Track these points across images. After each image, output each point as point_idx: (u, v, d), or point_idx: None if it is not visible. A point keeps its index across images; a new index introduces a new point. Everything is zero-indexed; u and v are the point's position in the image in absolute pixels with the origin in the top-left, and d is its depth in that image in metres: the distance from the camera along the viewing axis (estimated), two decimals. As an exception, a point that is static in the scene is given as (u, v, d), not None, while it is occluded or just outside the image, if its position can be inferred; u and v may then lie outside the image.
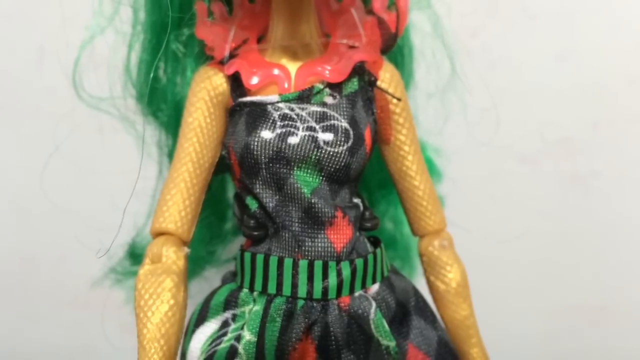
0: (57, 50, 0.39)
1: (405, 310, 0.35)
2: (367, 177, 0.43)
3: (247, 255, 0.33)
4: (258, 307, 0.32)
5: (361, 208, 0.35)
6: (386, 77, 0.35)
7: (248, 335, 0.31)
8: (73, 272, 0.76)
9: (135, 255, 0.40)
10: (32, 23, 0.60)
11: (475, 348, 0.37)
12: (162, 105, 0.38)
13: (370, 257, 0.34)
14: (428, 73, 0.44)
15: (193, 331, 0.33)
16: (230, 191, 0.42)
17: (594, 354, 0.82)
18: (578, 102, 0.75)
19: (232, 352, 0.31)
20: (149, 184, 0.41)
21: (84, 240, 0.43)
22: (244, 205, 0.34)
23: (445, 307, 0.37)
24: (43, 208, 0.75)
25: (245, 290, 0.33)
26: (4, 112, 0.69)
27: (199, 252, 0.40)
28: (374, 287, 0.34)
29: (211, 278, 0.44)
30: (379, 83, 0.34)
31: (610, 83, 0.75)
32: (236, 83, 0.34)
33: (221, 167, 0.36)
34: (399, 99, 0.34)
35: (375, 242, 0.35)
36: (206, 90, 0.34)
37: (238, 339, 0.31)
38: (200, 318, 0.33)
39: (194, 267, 0.40)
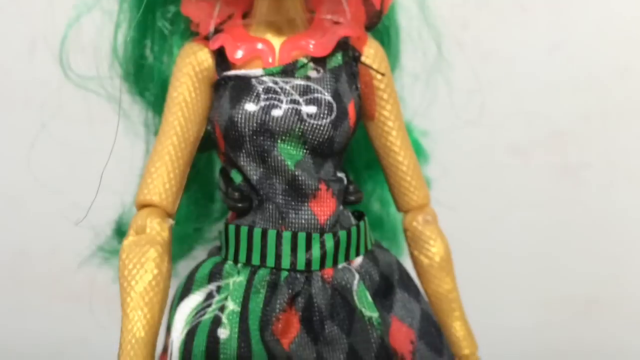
0: (45, 33, 0.39)
1: (389, 283, 0.35)
2: (354, 157, 0.43)
3: (232, 228, 0.34)
4: (242, 278, 0.32)
5: (345, 182, 0.35)
6: (370, 52, 0.35)
7: (232, 305, 0.32)
8: (64, 264, 0.76)
9: (122, 233, 0.40)
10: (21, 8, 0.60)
11: (458, 321, 0.37)
12: (149, 85, 0.39)
13: (353, 229, 0.34)
14: (415, 55, 0.44)
15: (178, 304, 0.34)
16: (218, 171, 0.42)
17: (585, 345, 0.83)
18: (569, 94, 0.76)
19: (216, 322, 0.31)
20: (136, 163, 0.42)
21: (73, 220, 0.43)
22: (228, 178, 0.34)
23: (428, 281, 0.37)
24: (34, 200, 0.75)
25: (230, 262, 0.33)
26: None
27: (186, 229, 0.40)
28: (358, 260, 0.34)
29: (199, 257, 0.44)
30: (363, 58, 0.35)
31: (602, 75, 0.75)
32: (221, 58, 0.34)
33: (207, 144, 0.36)
34: (382, 74, 0.35)
35: (360, 217, 0.36)
36: (191, 65, 0.34)
37: (222, 309, 0.32)
38: (185, 291, 0.34)
39: (181, 245, 0.40)
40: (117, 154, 0.39)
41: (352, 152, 0.42)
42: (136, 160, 0.41)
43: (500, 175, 0.78)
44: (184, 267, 0.43)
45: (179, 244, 0.39)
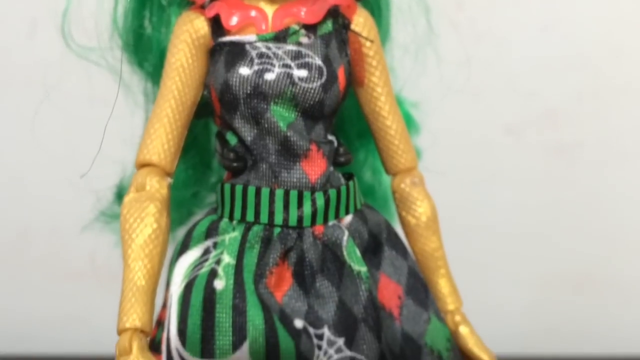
0: (47, 6, 0.41)
1: (378, 241, 0.37)
2: (347, 127, 0.44)
3: (227, 187, 0.35)
4: (237, 234, 0.34)
5: (335, 144, 0.37)
6: (360, 21, 0.37)
7: (227, 259, 0.33)
8: (67, 243, 0.78)
9: (123, 197, 0.41)
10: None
11: (443, 278, 0.39)
12: (148, 55, 0.40)
13: (343, 188, 0.36)
14: (405, 27, 0.45)
15: (176, 260, 0.35)
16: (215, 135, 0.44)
17: (577, 321, 0.84)
18: (563, 73, 0.77)
19: (212, 274, 0.33)
20: (136, 132, 0.43)
21: (76, 187, 0.44)
22: (224, 140, 0.36)
23: (415, 240, 0.39)
24: (36, 180, 0.76)
25: (225, 219, 0.35)
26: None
27: (185, 194, 0.41)
28: (347, 218, 0.36)
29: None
30: (352, 26, 0.36)
31: (595, 54, 0.76)
32: (216, 25, 0.36)
33: (204, 111, 0.38)
34: (371, 41, 0.36)
35: (349, 177, 0.37)
36: (188, 33, 0.36)
37: (218, 262, 0.34)
38: (183, 247, 0.35)
39: (180, 210, 0.41)
40: (117, 122, 0.40)
41: (344, 122, 0.44)
42: (137, 129, 0.43)
43: (493, 154, 0.79)
44: (183, 232, 0.45)
45: (177, 209, 0.41)
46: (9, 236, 0.79)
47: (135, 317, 0.31)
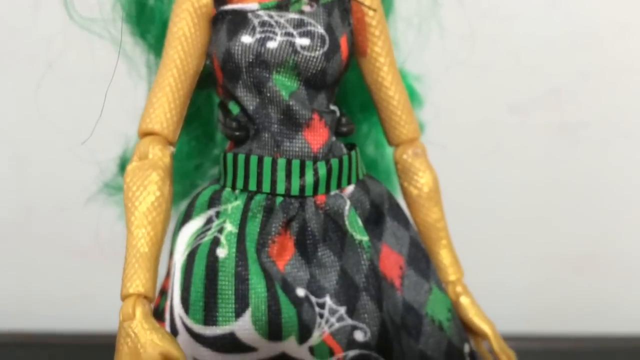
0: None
1: (380, 212, 0.37)
2: (350, 100, 0.44)
3: (229, 156, 0.35)
4: (239, 202, 0.34)
5: (338, 114, 0.36)
6: None
7: (230, 227, 0.34)
8: (72, 221, 0.78)
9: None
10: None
11: (445, 249, 0.39)
12: (150, 27, 0.40)
13: (345, 158, 0.36)
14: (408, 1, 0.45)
15: (179, 229, 0.36)
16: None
17: (578, 301, 0.84)
18: (567, 51, 0.76)
19: (215, 243, 0.33)
20: (139, 104, 0.43)
21: (80, 164, 0.44)
22: (227, 110, 0.36)
23: (417, 211, 0.39)
24: (40, 158, 0.76)
25: (228, 189, 0.35)
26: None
27: (188, 166, 0.42)
28: (349, 188, 0.36)
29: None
30: None
31: (600, 33, 0.75)
32: None
33: (206, 81, 0.38)
34: (374, 10, 0.36)
35: (352, 148, 0.37)
36: (190, 2, 0.35)
37: (221, 231, 0.34)
38: (186, 217, 0.36)
39: (183, 182, 0.42)
40: (120, 95, 0.40)
41: (347, 95, 0.44)
42: (139, 101, 0.43)
43: (496, 132, 0.79)
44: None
45: (181, 181, 0.41)
46: (13, 213, 0.79)
47: (138, 283, 0.31)
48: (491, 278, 0.74)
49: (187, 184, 0.42)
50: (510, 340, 0.53)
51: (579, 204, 0.81)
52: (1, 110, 0.76)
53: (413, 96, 0.46)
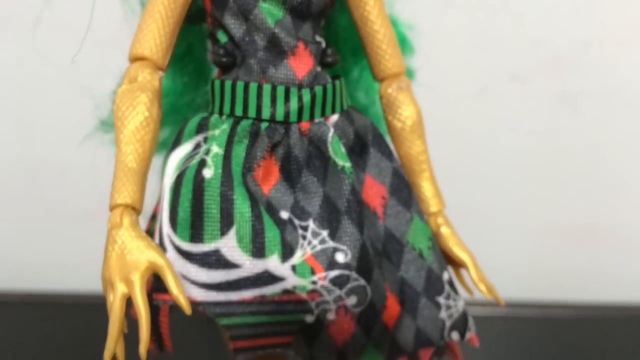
0: None
1: (364, 143, 0.38)
2: (340, 45, 0.45)
3: (217, 83, 0.37)
4: (225, 126, 0.36)
5: (323, 45, 0.37)
6: None
7: (216, 149, 0.35)
8: (77, 183, 0.80)
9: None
10: None
11: (427, 182, 0.40)
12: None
13: (329, 86, 0.37)
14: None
15: (168, 155, 0.37)
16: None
17: (577, 272, 0.85)
18: (569, 20, 0.76)
19: (201, 164, 0.35)
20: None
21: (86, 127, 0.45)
22: (215, 39, 0.37)
23: (401, 144, 0.40)
24: (44, 119, 0.78)
25: (216, 115, 0.37)
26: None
27: (180, 101, 0.43)
28: (334, 117, 0.37)
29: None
30: None
31: (602, 1, 0.75)
32: None
33: (197, 18, 0.39)
34: None
35: (337, 78, 0.38)
36: None
37: (207, 153, 0.35)
38: (175, 143, 0.37)
39: (175, 117, 0.43)
40: (117, 33, 0.42)
41: (338, 40, 0.45)
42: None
43: (497, 100, 0.79)
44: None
45: (173, 115, 0.42)
46: (19, 177, 0.80)
47: (126, 194, 0.32)
48: (491, 247, 0.75)
49: (179, 120, 0.43)
50: (509, 306, 0.54)
51: (579, 174, 0.82)
52: (4, 72, 0.77)
53: (404, 45, 0.47)
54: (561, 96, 0.80)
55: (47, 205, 0.82)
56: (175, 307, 0.34)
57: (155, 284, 0.35)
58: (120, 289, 0.31)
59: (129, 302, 0.31)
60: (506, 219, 0.83)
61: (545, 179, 0.82)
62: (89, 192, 0.70)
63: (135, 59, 0.36)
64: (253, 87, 0.35)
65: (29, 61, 0.69)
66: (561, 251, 0.84)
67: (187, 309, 0.31)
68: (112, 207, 0.33)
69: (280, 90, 0.35)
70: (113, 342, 0.30)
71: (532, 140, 0.81)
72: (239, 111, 0.36)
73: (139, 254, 0.31)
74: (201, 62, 0.42)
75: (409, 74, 0.46)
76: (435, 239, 0.39)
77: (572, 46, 0.78)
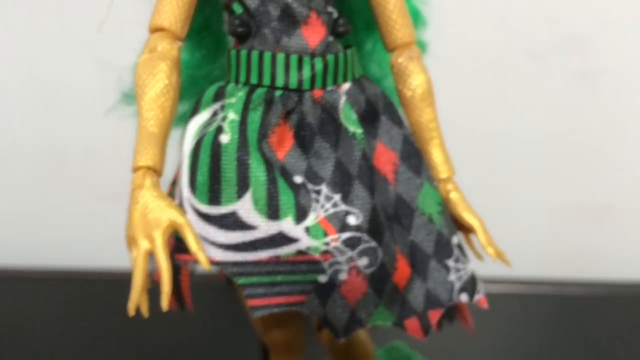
0: None
1: (375, 110, 0.39)
2: (354, 18, 0.46)
3: (233, 53, 0.38)
4: (241, 94, 0.37)
5: (335, 15, 0.39)
6: None
7: (232, 115, 0.36)
8: (101, 164, 0.82)
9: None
10: None
11: (437, 148, 0.41)
12: None
13: (341, 55, 0.38)
14: None
15: (188, 123, 0.39)
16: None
17: (595, 251, 0.85)
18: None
19: (218, 130, 0.36)
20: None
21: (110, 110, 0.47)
22: (231, 11, 0.39)
23: (411, 112, 0.41)
24: (69, 99, 0.80)
25: (232, 83, 0.38)
26: None
27: (198, 74, 0.44)
28: (345, 85, 0.39)
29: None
30: None
31: (621, -22, 0.74)
32: None
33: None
34: None
35: (348, 48, 0.40)
36: None
37: (224, 119, 0.37)
38: (193, 112, 0.38)
39: (193, 89, 0.44)
40: (141, 8, 0.43)
41: (352, 13, 0.46)
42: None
43: (515, 79, 0.79)
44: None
45: (191, 88, 0.44)
46: (44, 157, 0.83)
47: (147, 157, 0.34)
48: (506, 227, 0.75)
49: (197, 93, 0.45)
50: (527, 284, 0.54)
51: (598, 153, 0.81)
52: (29, 53, 0.79)
53: (416, 17, 0.48)
54: (579, 74, 0.80)
55: (71, 186, 0.85)
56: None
57: (176, 245, 0.36)
58: (143, 245, 0.33)
59: (151, 259, 0.33)
60: (524, 197, 0.83)
61: (563, 158, 0.82)
62: (112, 174, 0.72)
63: (154, 30, 0.37)
64: (267, 56, 0.37)
65: (54, 40, 0.71)
66: (578, 230, 0.84)
67: (206, 264, 0.33)
68: (135, 169, 0.34)
69: (294, 58, 0.37)
70: (137, 294, 0.32)
71: (549, 119, 0.81)
72: (254, 79, 0.37)
73: (160, 213, 0.33)
74: (218, 35, 0.44)
75: (421, 46, 0.47)
76: (444, 204, 0.40)
77: (591, 24, 0.78)
